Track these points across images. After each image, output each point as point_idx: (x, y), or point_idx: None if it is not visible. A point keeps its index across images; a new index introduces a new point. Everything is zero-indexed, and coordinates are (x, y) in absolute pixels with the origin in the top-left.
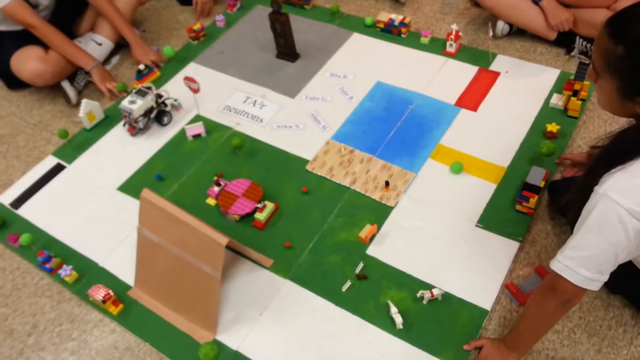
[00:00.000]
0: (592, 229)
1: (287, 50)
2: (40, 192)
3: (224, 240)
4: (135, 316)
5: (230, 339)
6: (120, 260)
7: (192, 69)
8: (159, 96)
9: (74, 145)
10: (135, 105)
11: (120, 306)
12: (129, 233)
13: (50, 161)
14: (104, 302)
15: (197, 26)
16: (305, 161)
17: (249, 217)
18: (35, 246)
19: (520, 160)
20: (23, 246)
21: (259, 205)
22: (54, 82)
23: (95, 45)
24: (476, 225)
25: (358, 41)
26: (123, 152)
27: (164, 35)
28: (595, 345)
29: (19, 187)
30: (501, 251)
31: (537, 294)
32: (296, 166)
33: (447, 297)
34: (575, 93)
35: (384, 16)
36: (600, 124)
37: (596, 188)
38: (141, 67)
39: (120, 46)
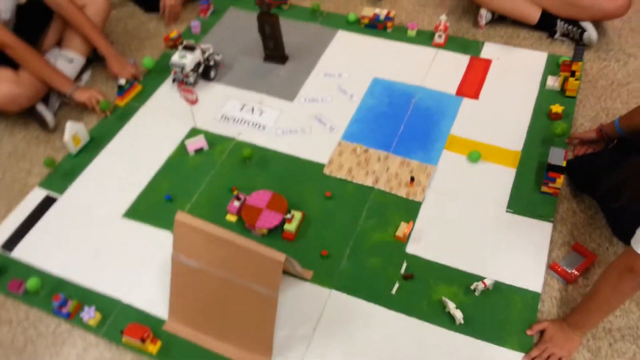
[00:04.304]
0: None
1: (276, 52)
2: (33, 229)
3: (281, 256)
4: (178, 351)
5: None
6: (146, 292)
7: None
8: (202, 52)
9: (62, 174)
10: (186, 59)
11: (159, 343)
12: (150, 261)
13: (38, 194)
14: (142, 341)
15: (173, 34)
16: (321, 165)
17: (276, 229)
18: (43, 290)
19: (532, 142)
20: (29, 292)
21: (288, 216)
22: (29, 105)
23: (65, 62)
24: (506, 211)
25: (344, 38)
26: (120, 175)
27: (136, 46)
28: None
29: (8, 227)
30: (536, 233)
31: (611, 275)
32: (312, 171)
33: (497, 285)
34: (573, 73)
35: (369, 11)
36: (595, 101)
37: None
38: (122, 81)
39: (89, 61)
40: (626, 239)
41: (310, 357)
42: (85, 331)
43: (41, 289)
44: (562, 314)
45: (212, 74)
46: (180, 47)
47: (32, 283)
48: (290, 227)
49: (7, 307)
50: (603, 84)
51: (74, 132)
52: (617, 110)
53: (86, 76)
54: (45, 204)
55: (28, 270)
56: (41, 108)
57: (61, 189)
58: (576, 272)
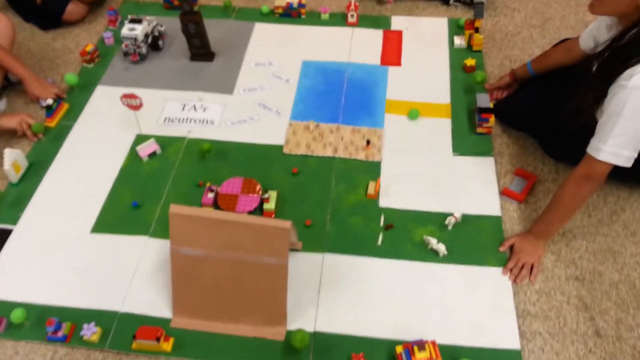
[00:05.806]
0: (629, 117)
1: (203, 50)
2: None
3: (286, 224)
4: (194, 343)
5: (304, 323)
6: (141, 298)
7: (102, 92)
8: (147, 23)
9: (9, 204)
10: (136, 31)
11: (171, 340)
12: (135, 269)
13: None
14: (158, 340)
15: (89, 47)
16: (279, 147)
17: (255, 211)
18: (28, 322)
19: (457, 94)
20: (14, 325)
21: (265, 196)
22: None
23: None
24: (453, 154)
25: (263, 29)
26: (74, 193)
27: (48, 66)
28: (585, 213)
29: None
30: (484, 168)
31: (570, 184)
32: (273, 153)
33: (464, 217)
34: (477, 30)
35: (282, 1)
36: (497, 52)
37: (624, 84)
38: (49, 102)
39: (1, 88)
40: (565, 159)
41: (321, 316)
42: (87, 349)
43: (26, 320)
44: (522, 228)
45: (160, 44)
46: (126, 22)
47: (17, 314)
48: (270, 205)
49: None
50: (499, 36)
51: (13, 159)
52: (517, 56)
53: (1, 104)
54: (1, 237)
55: (4, 306)
56: None
57: (13, 220)
58: (524, 192)
